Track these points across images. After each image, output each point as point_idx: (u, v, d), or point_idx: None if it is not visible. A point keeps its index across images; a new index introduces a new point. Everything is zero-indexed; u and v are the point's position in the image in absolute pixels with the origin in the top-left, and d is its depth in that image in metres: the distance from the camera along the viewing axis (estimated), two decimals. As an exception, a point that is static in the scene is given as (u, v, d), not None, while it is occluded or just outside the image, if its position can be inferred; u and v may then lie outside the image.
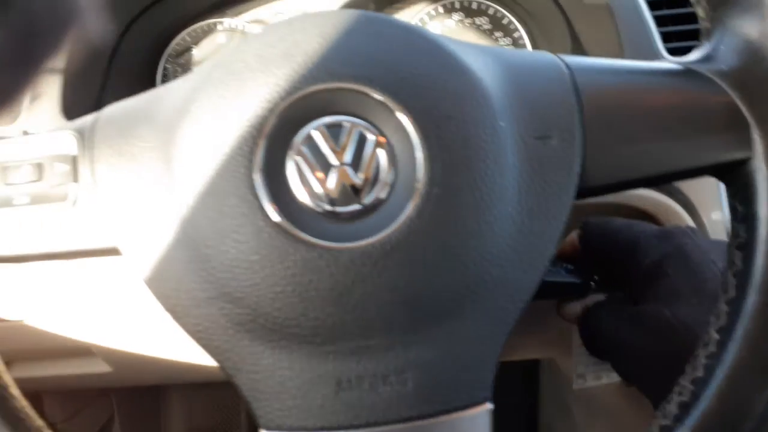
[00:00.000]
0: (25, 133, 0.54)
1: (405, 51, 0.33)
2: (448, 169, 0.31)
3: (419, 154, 0.31)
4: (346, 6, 0.83)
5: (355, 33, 0.34)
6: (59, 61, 0.63)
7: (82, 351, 0.73)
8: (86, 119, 0.36)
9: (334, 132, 0.32)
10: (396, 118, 0.32)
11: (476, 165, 0.32)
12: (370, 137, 0.32)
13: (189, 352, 0.75)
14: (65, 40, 0.32)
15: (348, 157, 0.32)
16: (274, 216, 0.31)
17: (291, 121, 0.32)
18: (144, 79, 0.81)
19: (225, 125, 0.32)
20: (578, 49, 0.71)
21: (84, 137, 0.35)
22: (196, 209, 0.32)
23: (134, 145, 0.34)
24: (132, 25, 0.75)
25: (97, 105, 0.69)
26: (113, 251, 0.34)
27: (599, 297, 0.51)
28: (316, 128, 0.32)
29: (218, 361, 0.33)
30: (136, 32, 0.76)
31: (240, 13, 0.83)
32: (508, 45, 0.82)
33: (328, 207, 0.31)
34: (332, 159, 0.32)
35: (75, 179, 0.34)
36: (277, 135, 0.32)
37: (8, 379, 0.36)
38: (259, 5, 0.83)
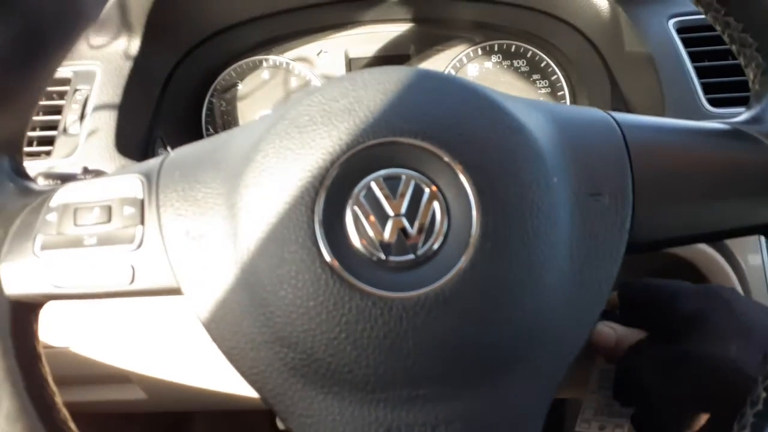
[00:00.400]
0: (86, 169, 0.56)
1: (462, 108, 0.34)
2: (501, 223, 0.32)
3: (474, 208, 0.32)
4: (387, 47, 0.85)
5: (415, 90, 0.35)
6: (115, 98, 0.66)
7: (121, 378, 0.75)
8: (152, 163, 0.38)
9: (391, 184, 0.33)
10: (452, 173, 0.33)
11: (529, 220, 0.32)
12: (426, 190, 0.33)
13: (221, 382, 0.76)
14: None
15: (404, 208, 0.33)
16: (332, 264, 0.32)
17: (351, 172, 0.33)
18: (191, 113, 0.84)
19: (289, 175, 0.33)
20: (618, 95, 0.71)
21: (150, 181, 0.36)
22: (257, 255, 0.33)
23: (198, 190, 0.35)
24: (182, 61, 0.78)
25: (147, 138, 0.72)
26: (175, 291, 0.35)
27: (636, 332, 0.50)
28: (375, 180, 0.33)
29: (271, 404, 0.34)
30: (186, 68, 0.79)
31: (284, 51, 0.86)
32: (546, 87, 0.84)
33: (382, 256, 0.32)
34: (389, 210, 0.33)
35: (141, 222, 0.35)
36: (337, 186, 0.33)
37: (66, 414, 0.37)
38: (303, 44, 0.86)
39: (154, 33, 0.71)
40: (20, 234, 0.36)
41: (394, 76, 0.36)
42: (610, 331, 0.49)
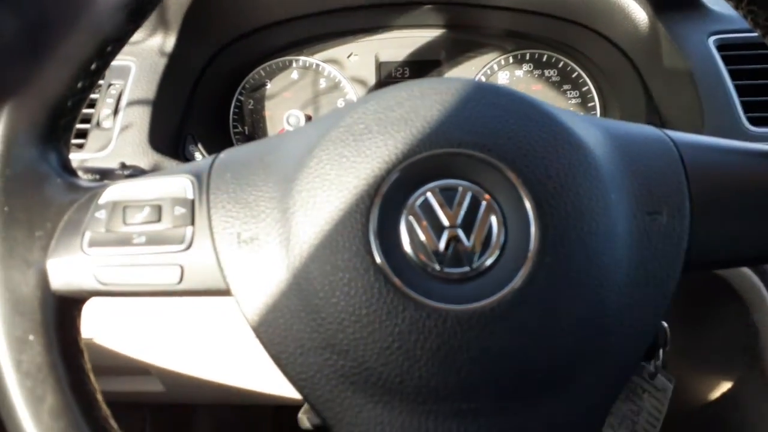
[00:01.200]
0: (123, 165, 0.56)
1: (521, 121, 0.34)
2: (560, 238, 0.31)
3: (532, 223, 0.31)
4: (418, 52, 0.85)
5: (473, 101, 0.35)
6: (149, 94, 0.66)
7: (141, 370, 0.75)
8: (202, 164, 0.38)
9: (447, 195, 0.32)
10: (510, 186, 0.32)
11: (588, 236, 0.32)
12: (483, 202, 0.33)
13: (238, 378, 0.76)
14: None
15: (460, 219, 0.32)
16: (385, 273, 0.32)
17: (407, 182, 0.32)
18: (219, 111, 0.84)
19: (343, 182, 0.33)
20: (652, 109, 0.71)
21: (201, 182, 0.36)
22: (309, 261, 0.33)
23: (250, 193, 0.35)
24: (214, 59, 0.78)
25: (178, 134, 0.72)
26: (224, 292, 0.35)
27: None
28: (431, 191, 0.32)
29: (318, 410, 0.34)
30: (217, 66, 0.79)
31: (315, 52, 0.86)
32: (576, 98, 0.83)
33: (437, 267, 0.32)
34: (445, 221, 0.32)
35: (191, 222, 0.35)
36: (393, 195, 0.32)
37: (107, 411, 0.37)
38: (334, 46, 0.86)
39: (189, 31, 0.71)
40: (68, 230, 0.35)
41: (451, 87, 0.35)
42: None
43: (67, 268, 0.35)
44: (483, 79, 0.84)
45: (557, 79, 0.84)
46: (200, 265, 0.35)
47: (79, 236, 0.35)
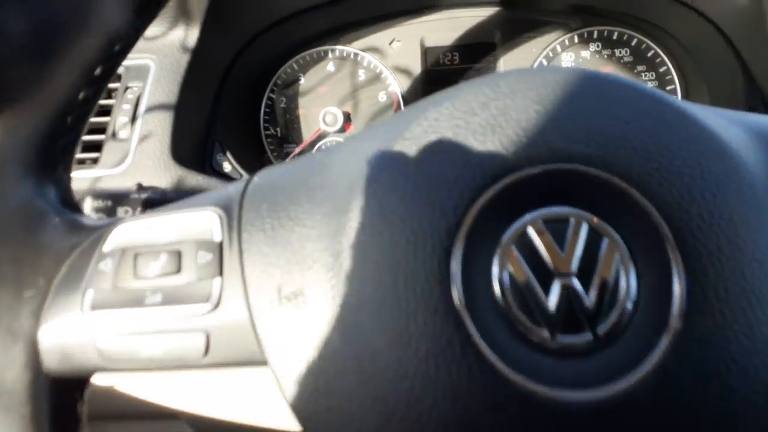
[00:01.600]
0: (140, 186, 0.48)
1: (647, 123, 0.25)
2: (714, 289, 0.23)
3: (674, 265, 0.23)
4: (469, 34, 0.76)
5: (581, 98, 0.26)
6: (171, 97, 0.58)
7: (167, 415, 0.69)
8: (232, 191, 0.30)
9: (556, 229, 0.25)
10: (640, 213, 0.24)
11: (752, 280, 0.23)
12: (605, 239, 0.24)
13: (275, 423, 0.69)
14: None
15: (575, 265, 0.24)
16: (477, 347, 0.23)
17: (498, 214, 0.25)
18: (249, 112, 0.76)
19: (412, 217, 0.25)
20: (755, 93, 0.60)
21: (231, 216, 0.28)
22: (372, 328, 0.24)
23: (292, 230, 0.27)
24: (241, 54, 0.70)
25: (204, 142, 0.64)
26: (259, 363, 0.27)
27: None
28: (532, 223, 0.25)
29: None
30: (245, 62, 0.71)
31: (352, 40, 0.77)
32: (652, 81, 0.73)
33: (547, 336, 0.24)
34: (552, 266, 0.24)
35: (219, 272, 0.27)
36: (480, 233, 0.24)
37: None
38: (373, 32, 0.77)
39: (214, 21, 0.63)
40: (66, 287, 0.28)
41: (550, 79, 0.27)
42: None
43: (63, 340, 0.28)
44: (544, 62, 0.75)
45: (630, 59, 0.74)
46: (230, 330, 0.27)
47: (79, 295, 0.28)
